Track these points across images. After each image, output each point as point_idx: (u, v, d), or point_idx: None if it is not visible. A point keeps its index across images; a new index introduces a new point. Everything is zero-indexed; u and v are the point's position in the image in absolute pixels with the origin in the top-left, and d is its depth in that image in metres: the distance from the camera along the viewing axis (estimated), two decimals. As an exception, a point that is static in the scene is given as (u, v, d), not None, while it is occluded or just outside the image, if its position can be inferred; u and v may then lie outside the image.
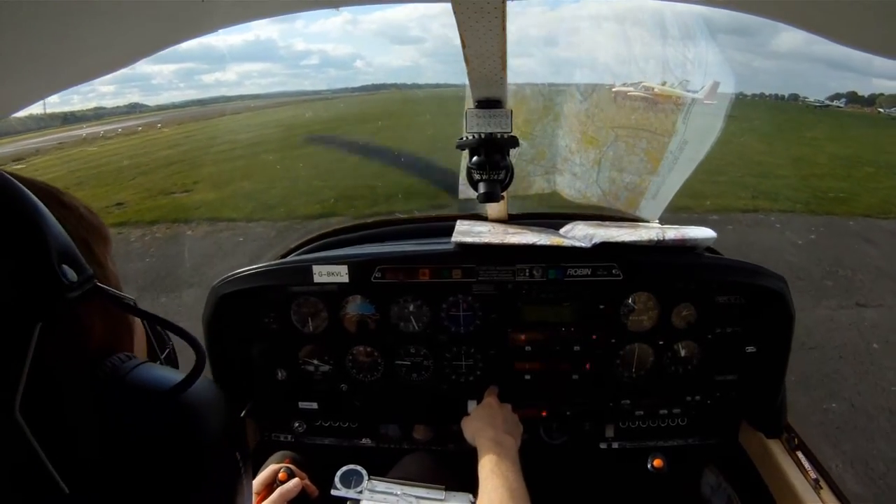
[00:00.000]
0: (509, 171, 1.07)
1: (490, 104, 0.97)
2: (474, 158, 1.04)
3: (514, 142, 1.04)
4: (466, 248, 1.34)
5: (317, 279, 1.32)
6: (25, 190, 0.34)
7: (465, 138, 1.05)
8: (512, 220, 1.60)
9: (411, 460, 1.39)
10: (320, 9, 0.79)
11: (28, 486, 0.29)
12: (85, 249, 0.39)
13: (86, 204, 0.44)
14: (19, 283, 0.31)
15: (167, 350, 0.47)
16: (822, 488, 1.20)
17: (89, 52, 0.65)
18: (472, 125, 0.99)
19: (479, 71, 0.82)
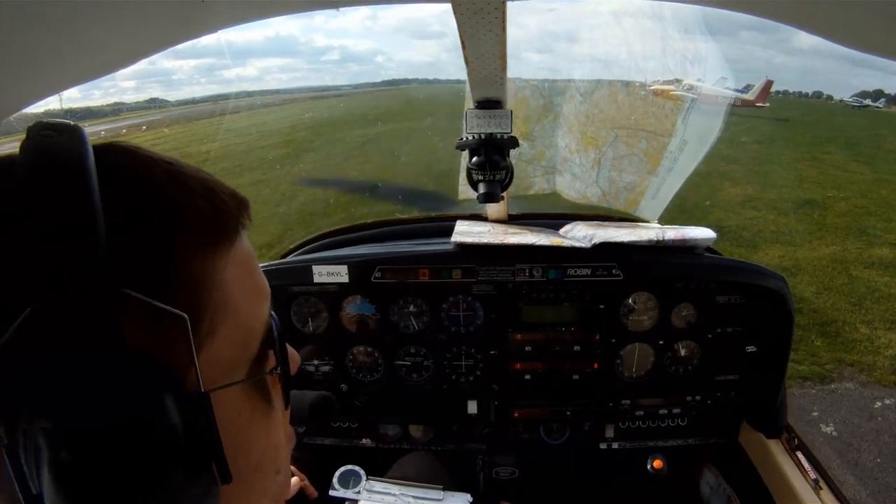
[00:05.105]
0: (509, 171, 1.07)
1: (490, 105, 0.97)
2: (474, 159, 1.05)
3: (513, 142, 1.04)
4: (466, 248, 1.34)
5: (317, 279, 1.32)
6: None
7: (465, 139, 1.05)
8: (512, 220, 1.61)
9: (409, 460, 1.39)
10: (320, 9, 0.78)
11: None
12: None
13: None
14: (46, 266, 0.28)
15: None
16: (821, 489, 1.20)
17: (87, 52, 0.65)
18: (472, 126, 0.99)
19: (479, 72, 0.82)
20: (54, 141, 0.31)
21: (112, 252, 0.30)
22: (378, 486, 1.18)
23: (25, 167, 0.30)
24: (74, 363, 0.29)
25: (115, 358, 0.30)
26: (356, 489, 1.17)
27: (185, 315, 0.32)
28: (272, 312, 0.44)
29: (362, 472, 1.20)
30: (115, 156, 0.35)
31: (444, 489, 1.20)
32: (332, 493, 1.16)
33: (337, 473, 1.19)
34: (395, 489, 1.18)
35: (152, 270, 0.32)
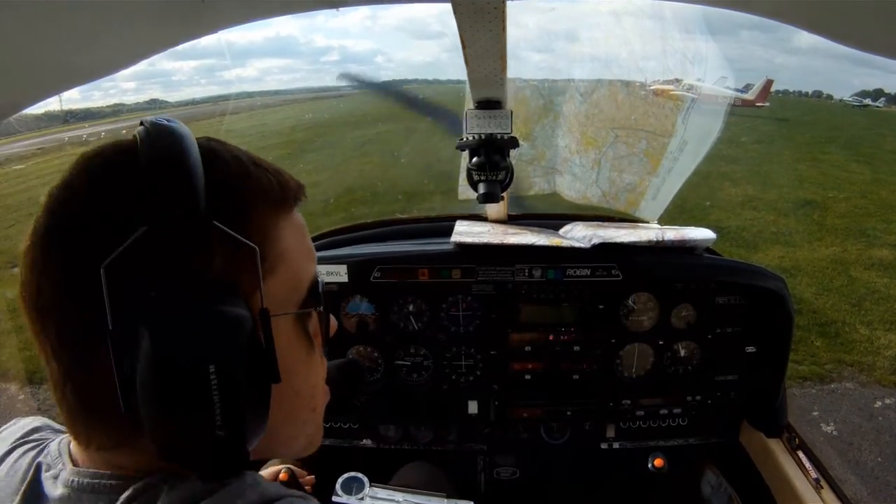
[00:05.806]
0: (509, 171, 1.07)
1: (490, 105, 0.97)
2: (474, 159, 1.04)
3: (514, 142, 1.04)
4: (466, 248, 1.34)
5: None
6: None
7: (465, 139, 1.05)
8: (512, 220, 1.60)
9: (412, 468, 1.38)
10: (320, 9, 0.78)
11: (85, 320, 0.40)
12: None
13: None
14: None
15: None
16: (822, 488, 1.20)
17: (87, 53, 0.65)
18: (472, 126, 0.99)
19: (479, 72, 0.82)
20: (166, 127, 0.43)
21: (208, 200, 0.41)
22: (381, 493, 1.18)
23: (149, 146, 0.41)
24: (171, 271, 0.39)
25: (201, 271, 0.41)
26: (359, 496, 1.16)
27: (257, 248, 0.43)
28: (318, 274, 0.53)
29: (365, 478, 1.19)
30: (212, 141, 0.47)
31: (447, 497, 1.19)
32: (335, 498, 1.16)
33: (340, 480, 1.18)
34: (398, 496, 1.17)
35: (235, 215, 0.43)
